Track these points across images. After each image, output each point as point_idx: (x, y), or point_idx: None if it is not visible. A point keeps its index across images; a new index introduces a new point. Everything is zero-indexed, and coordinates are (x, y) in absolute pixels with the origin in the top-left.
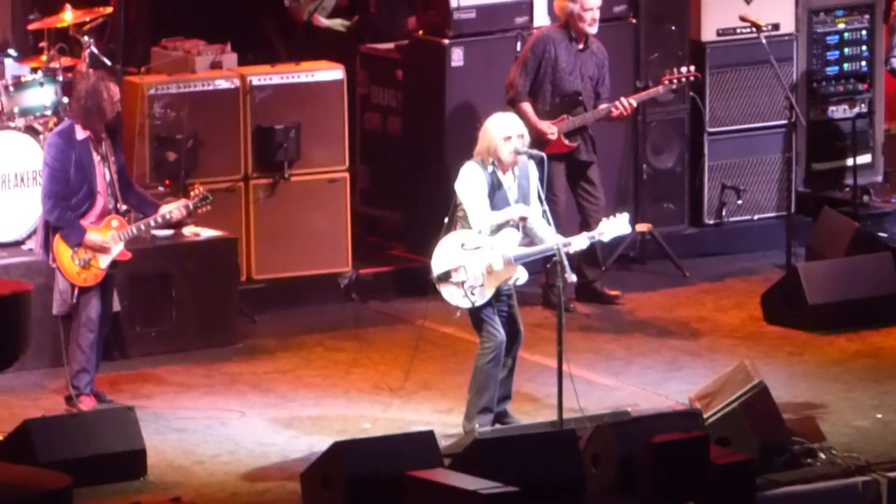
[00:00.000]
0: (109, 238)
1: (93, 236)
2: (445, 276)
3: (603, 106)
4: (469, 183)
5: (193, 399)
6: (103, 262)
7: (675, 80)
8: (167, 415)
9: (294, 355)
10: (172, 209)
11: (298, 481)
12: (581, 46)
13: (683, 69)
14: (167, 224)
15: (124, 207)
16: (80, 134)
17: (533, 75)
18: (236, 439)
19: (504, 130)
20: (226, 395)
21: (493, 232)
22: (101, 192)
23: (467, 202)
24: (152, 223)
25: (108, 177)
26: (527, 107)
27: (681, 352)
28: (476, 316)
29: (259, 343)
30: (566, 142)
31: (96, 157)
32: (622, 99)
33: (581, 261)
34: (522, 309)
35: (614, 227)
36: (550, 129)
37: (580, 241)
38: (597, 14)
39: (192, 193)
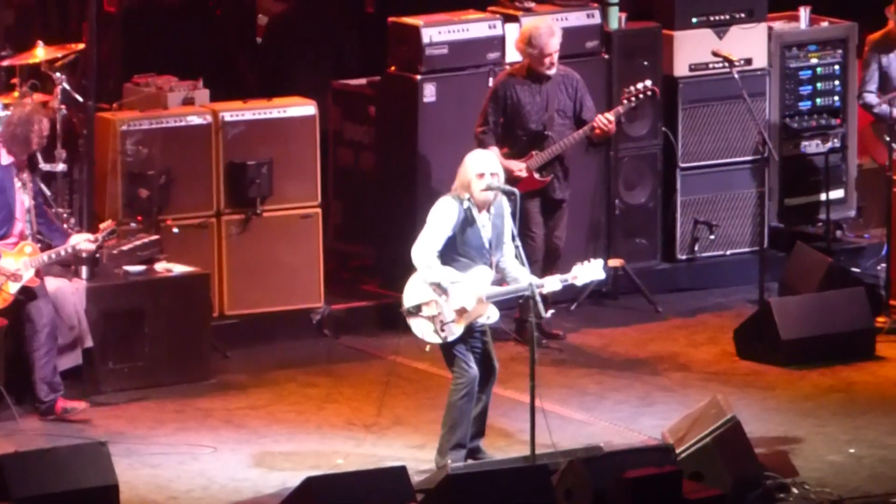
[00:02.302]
0: (22, 264)
1: (6, 262)
2: (416, 310)
3: (581, 130)
4: (436, 215)
5: (166, 434)
6: (13, 287)
7: (632, 98)
8: (140, 450)
9: (267, 391)
10: (80, 241)
11: None
12: (544, 80)
13: (640, 85)
14: (76, 254)
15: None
16: (5, 159)
17: (498, 121)
18: (209, 475)
19: (478, 167)
20: (198, 431)
21: (464, 268)
22: (19, 217)
23: (424, 230)
24: (62, 253)
25: (26, 203)
26: (493, 150)
27: (653, 387)
28: (448, 352)
29: (232, 378)
30: (537, 177)
31: (17, 183)
32: (599, 116)
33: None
34: (494, 345)
35: (588, 272)
36: (518, 167)
37: (553, 284)
38: (556, 57)
39: (100, 226)
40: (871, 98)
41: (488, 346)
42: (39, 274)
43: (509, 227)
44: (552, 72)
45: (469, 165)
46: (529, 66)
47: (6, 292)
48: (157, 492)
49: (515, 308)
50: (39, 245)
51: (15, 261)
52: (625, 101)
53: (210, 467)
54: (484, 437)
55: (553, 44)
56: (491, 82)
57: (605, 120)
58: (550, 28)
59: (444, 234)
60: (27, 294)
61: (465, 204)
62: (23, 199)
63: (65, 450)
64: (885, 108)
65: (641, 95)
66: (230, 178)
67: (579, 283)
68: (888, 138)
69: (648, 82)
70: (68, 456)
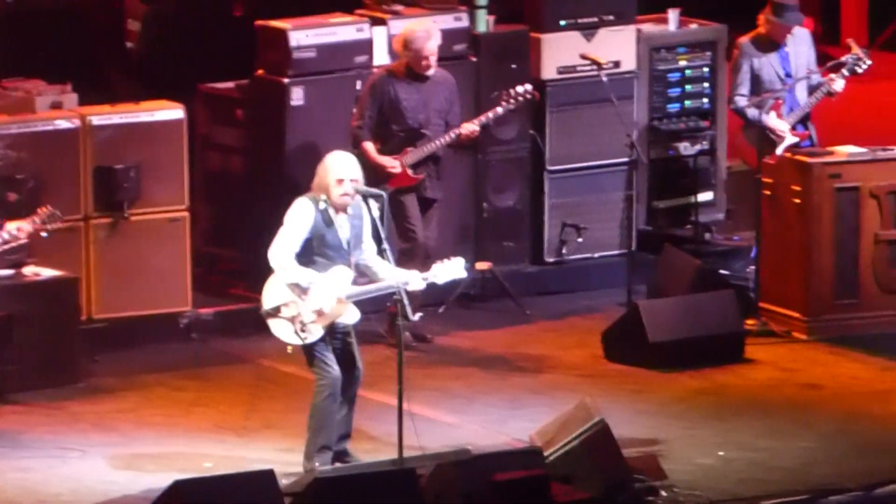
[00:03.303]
0: None
1: None
2: (275, 311)
3: (451, 133)
4: (292, 216)
5: (35, 438)
6: None
7: (511, 101)
8: (8, 454)
9: (135, 394)
10: (20, 224)
11: None
12: (423, 80)
13: (520, 88)
14: (15, 240)
15: None
16: None
17: (375, 116)
18: (78, 478)
19: (337, 173)
20: (67, 434)
21: (322, 268)
22: None
23: (280, 233)
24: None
25: None
26: (367, 146)
27: (522, 390)
28: (309, 352)
29: (100, 382)
30: (411, 173)
31: None
32: (465, 124)
33: None
34: (364, 347)
35: (449, 270)
36: (392, 164)
37: (416, 282)
38: (433, 59)
39: (39, 211)
40: (743, 101)
41: (351, 347)
42: None
43: (369, 226)
44: (430, 73)
45: (329, 169)
46: (408, 65)
47: None
48: (26, 495)
49: (385, 310)
50: None
51: None
52: (503, 104)
53: (79, 470)
54: (350, 439)
55: (430, 46)
56: (359, 85)
57: (471, 127)
58: (428, 31)
59: (300, 236)
60: None
61: (322, 205)
62: None
63: None
64: (754, 111)
65: (521, 98)
66: (98, 181)
67: (440, 281)
68: (759, 141)
69: (529, 86)
70: None
